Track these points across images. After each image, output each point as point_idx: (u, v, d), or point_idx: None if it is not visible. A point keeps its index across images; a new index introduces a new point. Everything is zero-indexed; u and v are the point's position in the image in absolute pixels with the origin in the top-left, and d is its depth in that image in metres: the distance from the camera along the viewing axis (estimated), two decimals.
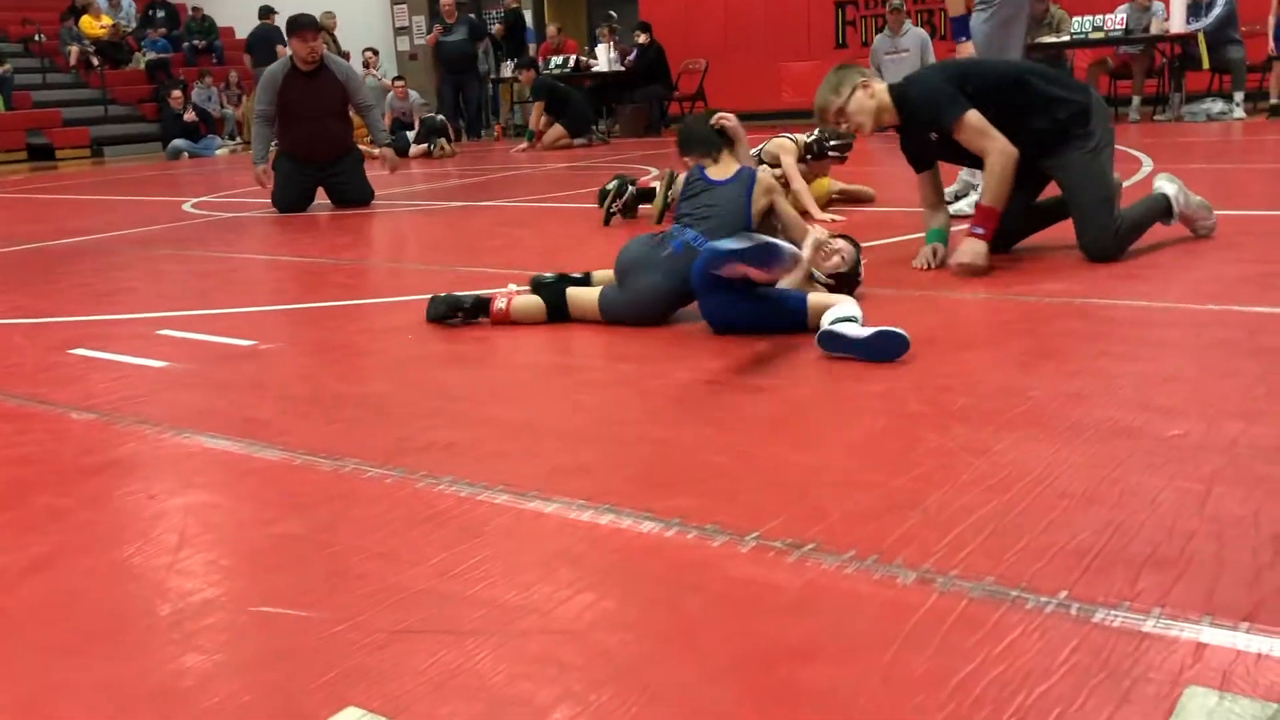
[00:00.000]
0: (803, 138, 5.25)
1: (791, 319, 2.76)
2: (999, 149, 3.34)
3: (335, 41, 13.63)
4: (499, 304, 3.10)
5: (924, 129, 3.54)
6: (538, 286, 3.21)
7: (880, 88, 3.51)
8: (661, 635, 1.37)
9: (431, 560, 1.61)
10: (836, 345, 2.54)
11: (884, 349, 2.49)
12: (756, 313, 2.80)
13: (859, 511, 1.69)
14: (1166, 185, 3.63)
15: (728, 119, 3.31)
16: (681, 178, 3.37)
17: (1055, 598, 1.38)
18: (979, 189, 3.93)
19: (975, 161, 3.54)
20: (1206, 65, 9.57)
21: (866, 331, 2.51)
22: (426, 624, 1.42)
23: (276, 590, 1.56)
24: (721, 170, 3.22)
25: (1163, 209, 3.58)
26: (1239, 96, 9.38)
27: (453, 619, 1.43)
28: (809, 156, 5.19)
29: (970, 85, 3.43)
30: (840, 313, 2.61)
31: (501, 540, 1.67)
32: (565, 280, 3.23)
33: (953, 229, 3.72)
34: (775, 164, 5.06)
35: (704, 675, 1.27)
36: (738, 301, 2.79)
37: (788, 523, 1.66)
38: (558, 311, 3.09)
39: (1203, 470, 1.75)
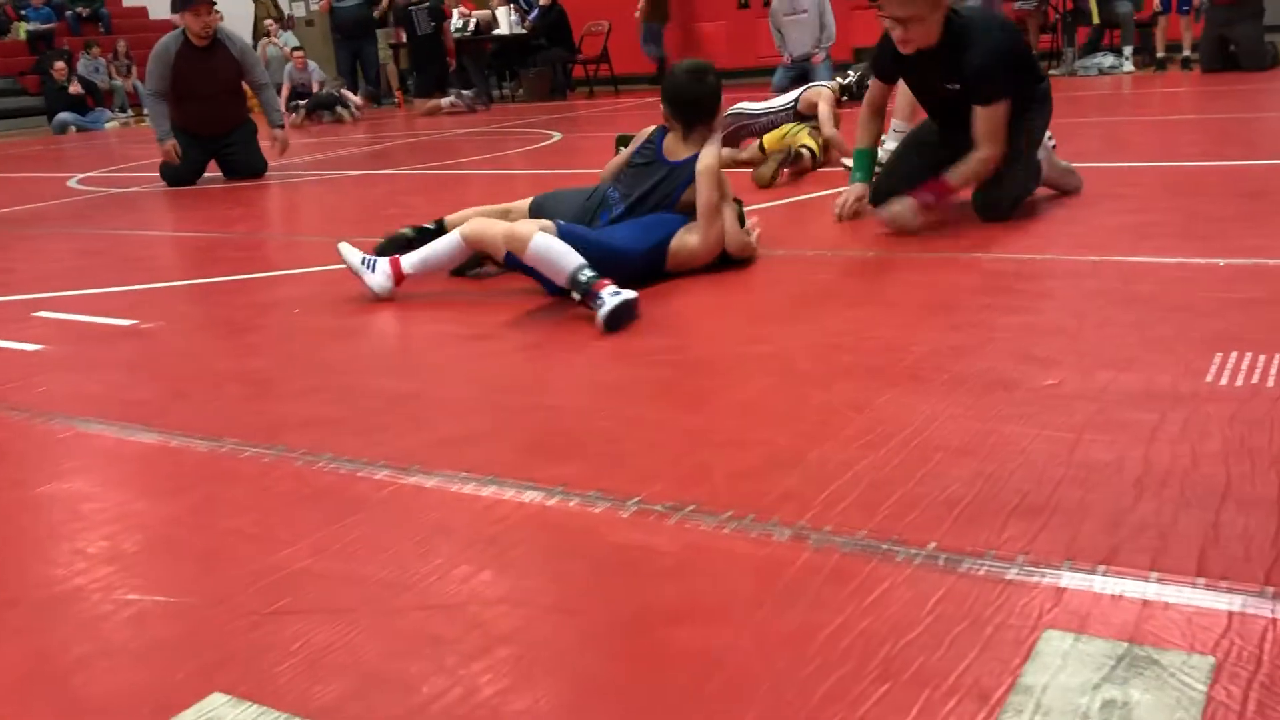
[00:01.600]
0: (838, 81, 5.23)
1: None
2: (996, 155, 3.31)
3: (276, 4, 13.23)
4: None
5: (952, 75, 3.35)
6: (402, 243, 3.29)
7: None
8: (538, 605, 1.36)
9: (307, 539, 1.58)
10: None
11: (619, 320, 2.56)
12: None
13: (741, 471, 1.70)
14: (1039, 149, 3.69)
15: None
16: (647, 132, 3.29)
17: (924, 549, 1.40)
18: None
19: (952, 122, 3.48)
20: (1097, 20, 9.78)
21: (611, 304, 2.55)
22: (300, 604, 1.40)
23: (147, 576, 1.52)
24: (678, 149, 3.15)
25: (1037, 175, 3.64)
26: (1128, 51, 9.60)
27: (327, 598, 1.41)
28: (845, 98, 5.20)
29: (1013, 60, 3.36)
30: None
31: (379, 516, 1.64)
32: (423, 230, 3.33)
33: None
34: (811, 112, 5.02)
35: (579, 642, 1.27)
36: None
37: (670, 485, 1.67)
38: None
39: (1073, 419, 1.80)
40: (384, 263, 2.99)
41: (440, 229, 3.26)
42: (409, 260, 2.99)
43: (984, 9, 3.99)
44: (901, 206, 3.29)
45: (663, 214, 3.06)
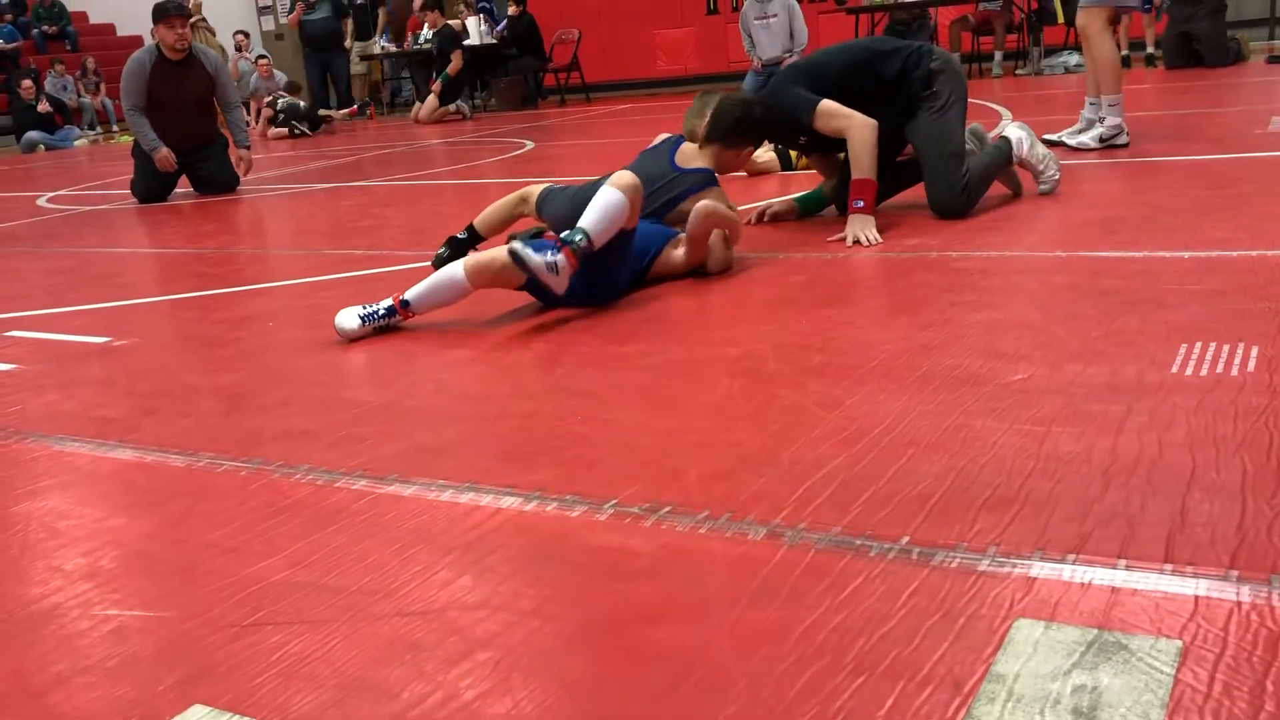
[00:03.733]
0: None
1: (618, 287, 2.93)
2: (857, 124, 3.37)
3: (210, 32, 13.22)
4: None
5: (794, 136, 3.64)
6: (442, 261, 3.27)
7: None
8: (516, 609, 1.37)
9: (284, 551, 1.58)
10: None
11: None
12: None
13: (715, 471, 1.71)
14: (1013, 130, 3.73)
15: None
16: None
17: (897, 544, 1.42)
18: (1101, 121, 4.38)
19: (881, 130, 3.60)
20: (1061, 19, 9.88)
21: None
22: (278, 615, 1.40)
23: (124, 592, 1.52)
24: (693, 158, 3.25)
25: (1006, 155, 3.68)
26: None
27: (305, 608, 1.41)
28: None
29: (821, 81, 3.47)
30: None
31: (357, 526, 1.65)
32: (458, 241, 3.31)
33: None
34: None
35: (558, 644, 1.28)
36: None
37: (646, 487, 1.68)
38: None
39: (1042, 412, 1.82)
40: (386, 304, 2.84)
41: (473, 234, 3.31)
42: (411, 293, 2.81)
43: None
44: (851, 227, 3.36)
45: (656, 226, 3.08)
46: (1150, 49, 9.41)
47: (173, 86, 6.25)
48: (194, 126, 6.42)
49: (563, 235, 2.66)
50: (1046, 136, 4.69)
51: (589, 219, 2.66)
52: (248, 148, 6.66)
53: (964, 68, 3.78)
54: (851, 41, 4.21)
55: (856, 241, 3.30)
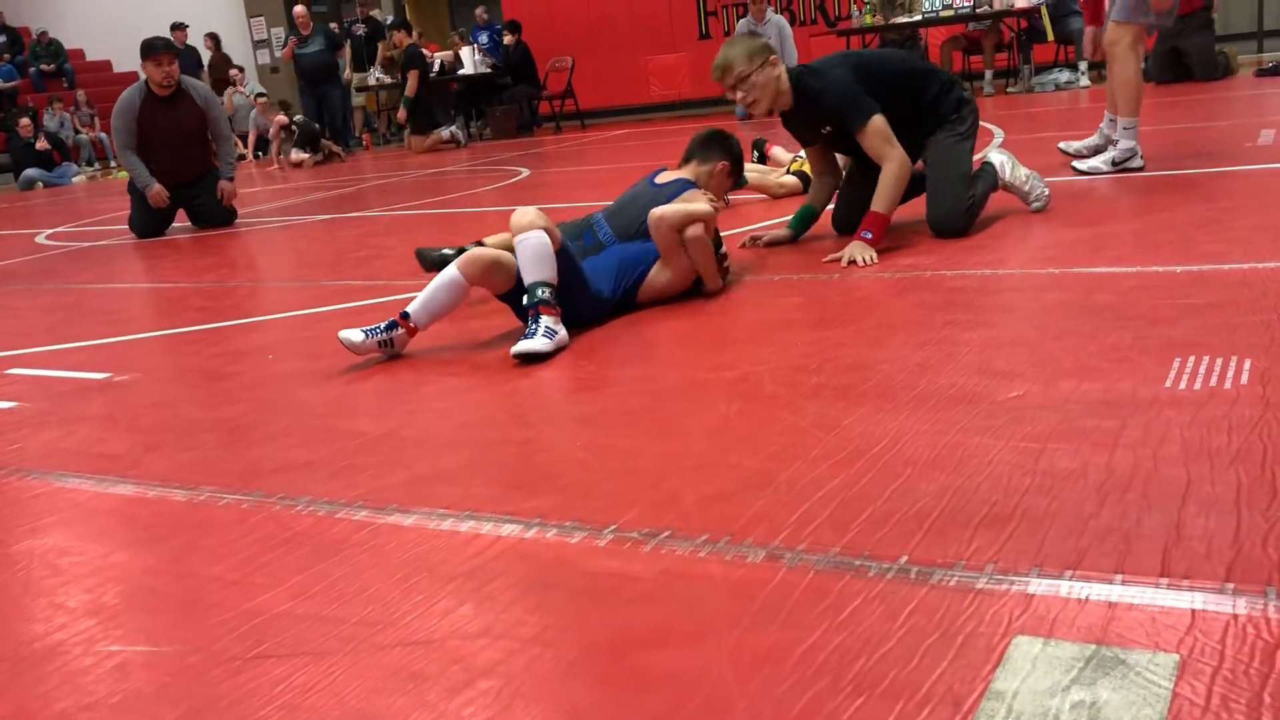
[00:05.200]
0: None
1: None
2: (899, 159, 3.38)
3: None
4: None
5: (821, 120, 3.58)
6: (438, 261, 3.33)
7: (784, 70, 3.50)
8: (518, 636, 1.37)
9: (287, 583, 1.59)
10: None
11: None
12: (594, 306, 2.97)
13: (713, 495, 1.72)
14: (994, 155, 3.76)
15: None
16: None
17: (896, 563, 1.43)
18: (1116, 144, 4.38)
19: (854, 154, 3.66)
20: (1051, 37, 9.95)
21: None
22: (281, 648, 1.41)
23: (127, 627, 1.52)
24: (671, 174, 3.33)
25: (992, 181, 3.71)
26: (1083, 65, 9.76)
27: (307, 640, 1.42)
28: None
29: (871, 81, 3.46)
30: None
31: (358, 556, 1.66)
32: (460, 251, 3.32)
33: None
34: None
35: (560, 671, 1.29)
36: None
37: (644, 512, 1.69)
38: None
39: (1037, 429, 1.83)
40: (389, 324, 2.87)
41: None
42: (412, 307, 2.84)
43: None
44: (851, 249, 3.37)
45: (641, 245, 3.09)
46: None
47: (164, 122, 6.32)
48: (188, 161, 6.47)
49: (524, 302, 2.74)
50: (1061, 145, 4.64)
51: (529, 273, 2.74)
52: (231, 179, 6.70)
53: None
54: (887, 51, 4.11)
55: (852, 261, 3.32)
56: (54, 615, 1.58)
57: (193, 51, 14.91)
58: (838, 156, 3.86)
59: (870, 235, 3.39)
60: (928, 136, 3.58)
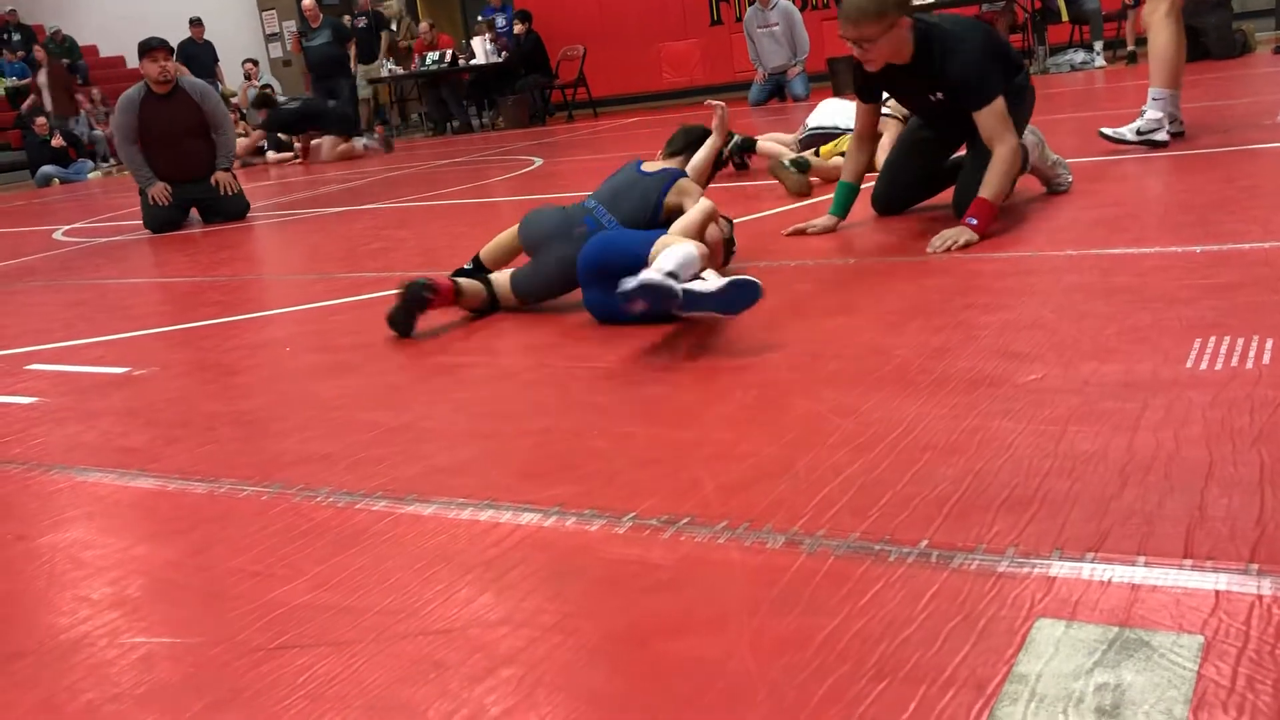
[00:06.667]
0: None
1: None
2: (1013, 145, 3.26)
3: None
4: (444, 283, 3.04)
5: (933, 85, 3.39)
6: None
7: (909, 27, 3.29)
8: (538, 624, 1.38)
9: (308, 573, 1.59)
10: (695, 303, 2.47)
11: (739, 299, 2.45)
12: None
13: (732, 482, 1.72)
14: (1027, 135, 3.72)
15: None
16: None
17: (916, 547, 1.43)
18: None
19: (944, 123, 3.53)
20: (1065, 17, 9.88)
21: (720, 283, 2.46)
22: (303, 638, 1.41)
23: (150, 619, 1.53)
24: (655, 163, 3.30)
25: (1024, 161, 3.67)
26: (1099, 46, 9.69)
27: (329, 630, 1.42)
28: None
29: (998, 58, 3.36)
30: (672, 264, 2.53)
31: (378, 546, 1.66)
32: (464, 273, 3.25)
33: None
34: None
35: (581, 658, 1.29)
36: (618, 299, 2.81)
37: (663, 499, 1.69)
38: (493, 299, 3.14)
39: (1057, 411, 1.82)
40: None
41: (479, 265, 3.24)
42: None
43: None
44: (951, 233, 3.19)
45: (651, 232, 3.07)
46: (1132, 46, 9.36)
47: (164, 119, 6.42)
48: (192, 156, 6.55)
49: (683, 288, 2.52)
50: (1102, 131, 4.50)
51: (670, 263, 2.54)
52: (227, 169, 6.74)
53: None
54: (977, 24, 3.91)
55: (948, 245, 3.15)
56: (78, 608, 1.59)
57: (209, 47, 14.95)
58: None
59: (975, 222, 3.19)
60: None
